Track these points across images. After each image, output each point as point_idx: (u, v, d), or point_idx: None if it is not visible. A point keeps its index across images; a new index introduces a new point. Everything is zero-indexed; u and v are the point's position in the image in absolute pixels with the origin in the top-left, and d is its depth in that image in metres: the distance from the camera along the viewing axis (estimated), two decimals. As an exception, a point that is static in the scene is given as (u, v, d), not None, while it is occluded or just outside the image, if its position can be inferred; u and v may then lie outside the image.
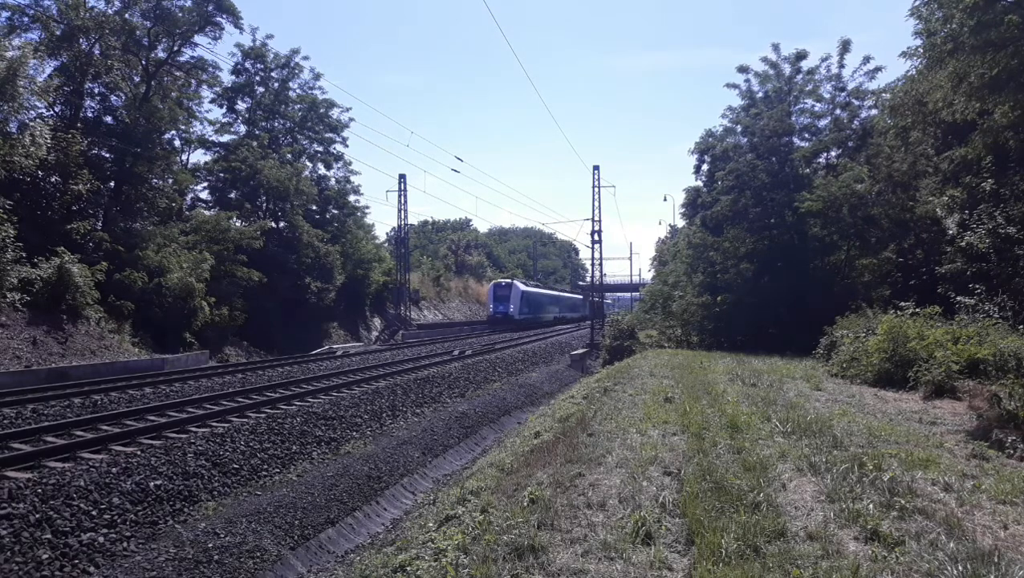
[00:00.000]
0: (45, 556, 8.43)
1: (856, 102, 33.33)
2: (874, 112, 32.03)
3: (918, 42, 21.21)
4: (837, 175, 31.16)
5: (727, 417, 11.95)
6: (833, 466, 8.31)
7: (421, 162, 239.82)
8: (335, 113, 57.95)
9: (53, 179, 30.58)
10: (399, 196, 60.86)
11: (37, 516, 9.06)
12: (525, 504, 7.74)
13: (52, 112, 33.13)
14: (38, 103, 29.26)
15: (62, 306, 26.73)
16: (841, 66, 33.15)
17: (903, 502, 6.86)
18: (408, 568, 6.75)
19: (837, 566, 5.52)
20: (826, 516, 6.72)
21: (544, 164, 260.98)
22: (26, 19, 34.04)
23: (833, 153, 34.70)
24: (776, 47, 34.96)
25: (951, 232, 22.78)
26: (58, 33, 33.79)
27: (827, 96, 34.33)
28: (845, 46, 32.72)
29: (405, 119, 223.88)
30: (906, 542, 5.93)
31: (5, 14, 33.58)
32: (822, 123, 34.92)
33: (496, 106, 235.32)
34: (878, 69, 32.12)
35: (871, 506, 6.80)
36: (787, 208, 31.84)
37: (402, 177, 61.08)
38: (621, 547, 6.25)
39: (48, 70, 32.94)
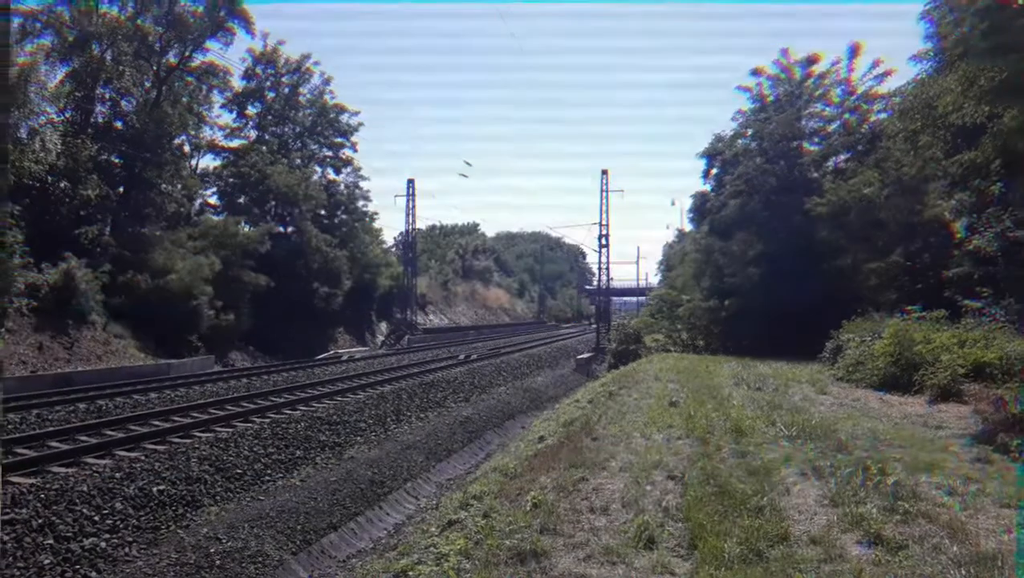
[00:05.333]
0: (47, 561, 8.44)
1: (866, 106, 33.27)
2: (883, 116, 31.92)
3: (928, 46, 21.21)
4: (846, 179, 31.06)
5: (732, 421, 11.91)
6: (837, 470, 8.26)
7: (429, 166, 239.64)
8: (344, 118, 58.06)
9: (62, 184, 30.66)
10: (407, 201, 60.89)
11: (40, 521, 9.07)
12: (528, 508, 7.71)
13: (62, 116, 33.26)
14: (48, 108, 29.38)
15: (68, 311, 26.79)
16: (850, 70, 33.14)
17: (907, 506, 6.81)
18: (410, 573, 6.72)
19: (839, 570, 5.50)
20: (829, 520, 6.69)
21: (552, 168, 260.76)
22: (38, 24, 34.20)
23: (842, 157, 34.65)
24: (785, 52, 35.01)
25: (959, 236, 22.66)
26: (70, 39, 33.92)
27: (837, 100, 34.30)
28: (855, 50, 32.70)
29: (414, 124, 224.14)
30: (909, 546, 5.89)
31: (17, 19, 33.74)
32: (831, 127, 34.90)
33: (504, 110, 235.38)
34: (887, 73, 32.06)
35: (874, 510, 6.75)
36: (796, 212, 31.74)
37: (410, 182, 61.04)
38: (623, 552, 6.23)
39: (59, 75, 33.17)
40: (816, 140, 35.43)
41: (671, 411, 13.57)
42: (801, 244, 31.67)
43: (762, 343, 29.52)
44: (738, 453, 9.58)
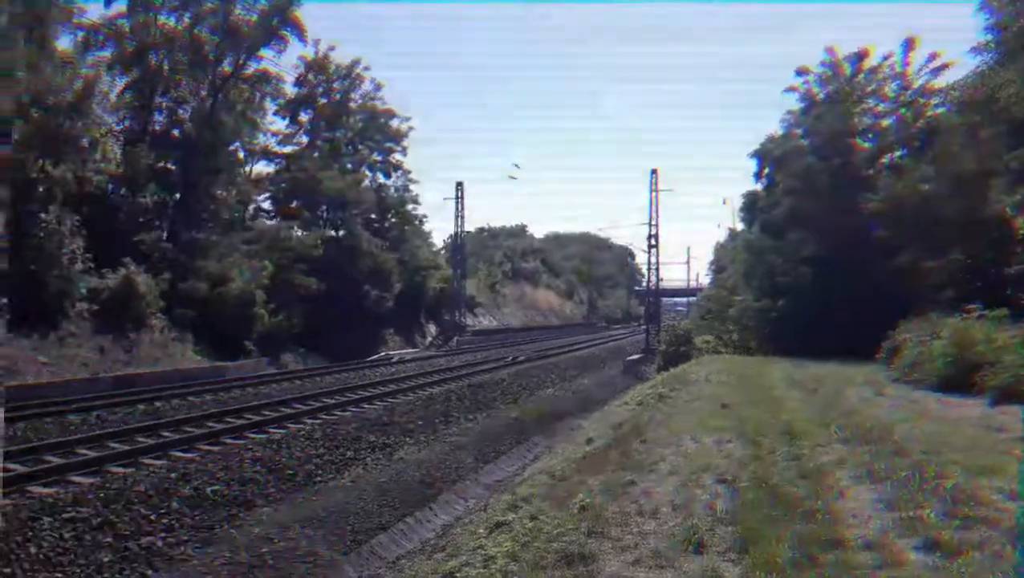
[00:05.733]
0: (106, 559, 8.66)
1: (922, 100, 32.48)
2: (940, 110, 31.13)
3: (988, 37, 20.65)
4: (902, 175, 30.38)
5: (784, 423, 11.71)
6: (893, 473, 8.05)
7: (478, 169, 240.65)
8: (395, 123, 58.60)
9: (122, 191, 31.53)
10: (456, 203, 60.99)
11: (99, 520, 9.33)
12: (576, 511, 7.67)
13: (121, 125, 34.22)
14: (109, 118, 30.17)
15: (128, 315, 27.52)
16: (905, 64, 32.40)
17: (966, 511, 6.58)
18: (458, 574, 6.75)
19: (896, 576, 5.35)
20: (885, 525, 6.51)
21: (601, 168, 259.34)
22: (100, 37, 35.20)
23: (897, 153, 33.92)
24: (830, 50, 34.39)
25: (1022, 232, 21.97)
26: (129, 50, 34.86)
27: (891, 95, 33.57)
28: (909, 43, 31.95)
29: (462, 126, 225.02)
30: (969, 552, 5.70)
31: (80, 33, 34.78)
32: (886, 123, 34.17)
33: (553, 108, 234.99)
34: (944, 66, 31.25)
35: (932, 515, 6.54)
36: (850, 210, 31.11)
37: (459, 184, 61.23)
38: (672, 556, 6.15)
39: (120, 85, 34.13)
40: (870, 136, 34.74)
41: (722, 413, 13.40)
42: (855, 242, 31.02)
43: (815, 344, 28.93)
44: (791, 456, 9.40)
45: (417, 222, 62.13)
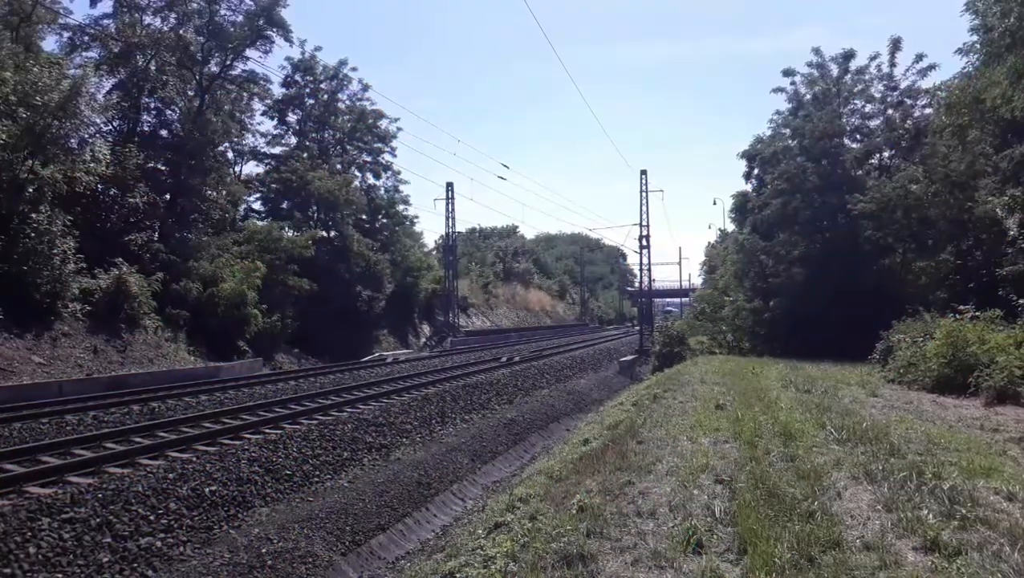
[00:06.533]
0: (105, 559, 8.65)
1: (909, 101, 32.70)
2: (928, 111, 31.38)
3: (974, 38, 20.81)
4: (891, 176, 30.56)
5: (780, 424, 11.74)
6: (890, 474, 8.08)
7: (468, 170, 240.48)
8: (383, 124, 58.55)
9: (111, 192, 31.40)
10: (447, 204, 61.17)
11: (98, 520, 9.30)
12: (574, 512, 7.68)
13: (111, 127, 34.11)
14: (97, 119, 30.05)
15: (121, 316, 27.43)
16: (892, 65, 32.64)
17: (964, 512, 6.62)
18: (458, 575, 6.75)
19: (895, 577, 5.39)
20: (883, 525, 6.54)
21: (591, 169, 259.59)
22: (86, 38, 35.11)
23: (886, 154, 34.14)
24: (817, 50, 34.62)
25: (1012, 233, 22.13)
26: (116, 51, 34.77)
27: (878, 96, 33.78)
28: (896, 44, 32.19)
29: (451, 127, 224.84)
30: (967, 553, 5.73)
31: (67, 34, 34.67)
32: (873, 123, 34.43)
33: (541, 112, 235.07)
34: (931, 67, 31.50)
35: (930, 516, 6.58)
36: (839, 211, 31.32)
37: (449, 185, 61.31)
38: (671, 556, 6.16)
39: (107, 86, 34.00)
40: (857, 137, 34.96)
41: (718, 414, 13.44)
42: (846, 243, 31.23)
43: (808, 344, 29.13)
44: (787, 457, 9.44)
45: (408, 223, 62.16)
